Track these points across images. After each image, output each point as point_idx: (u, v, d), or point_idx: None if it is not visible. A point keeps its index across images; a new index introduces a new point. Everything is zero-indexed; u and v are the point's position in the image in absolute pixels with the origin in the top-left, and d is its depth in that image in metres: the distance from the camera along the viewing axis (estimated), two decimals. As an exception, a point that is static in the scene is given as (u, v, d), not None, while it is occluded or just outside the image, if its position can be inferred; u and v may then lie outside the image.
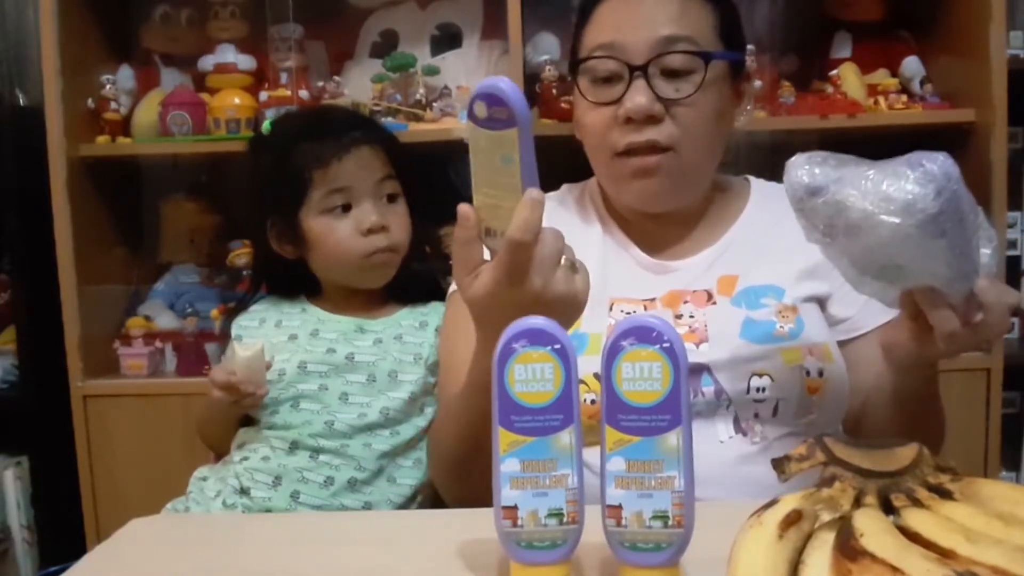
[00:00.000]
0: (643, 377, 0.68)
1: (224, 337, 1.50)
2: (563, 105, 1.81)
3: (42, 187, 1.89)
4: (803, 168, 0.86)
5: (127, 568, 0.87)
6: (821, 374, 1.13)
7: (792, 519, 0.60)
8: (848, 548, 0.55)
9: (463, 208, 0.85)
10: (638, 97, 1.14)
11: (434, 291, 1.41)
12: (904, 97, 1.90)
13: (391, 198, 1.39)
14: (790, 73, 2.00)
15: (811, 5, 2.09)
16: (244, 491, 1.30)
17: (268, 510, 1.28)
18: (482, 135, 0.80)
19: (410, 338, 1.37)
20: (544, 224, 0.84)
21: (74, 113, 1.92)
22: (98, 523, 1.94)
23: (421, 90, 1.92)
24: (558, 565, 0.71)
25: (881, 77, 1.94)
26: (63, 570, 0.84)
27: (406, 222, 1.40)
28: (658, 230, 1.26)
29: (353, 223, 1.35)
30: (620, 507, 0.69)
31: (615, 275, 1.22)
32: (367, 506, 1.29)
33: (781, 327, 1.15)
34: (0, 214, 2.05)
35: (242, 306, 1.47)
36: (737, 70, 1.23)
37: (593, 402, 1.07)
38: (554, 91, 1.87)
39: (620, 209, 1.28)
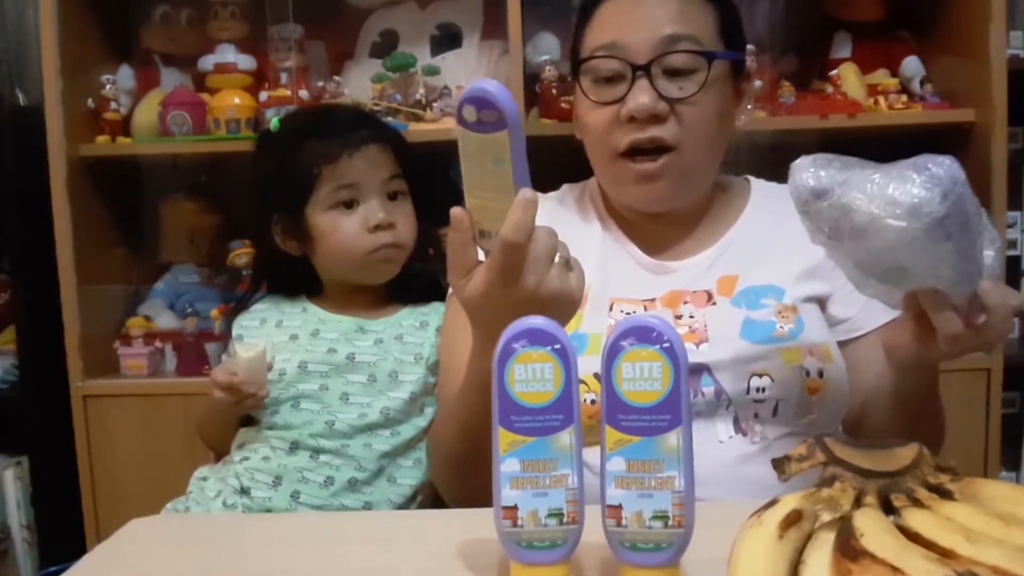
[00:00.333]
0: (643, 377, 0.68)
1: (225, 337, 1.50)
2: (563, 105, 1.81)
3: (42, 187, 1.89)
4: (808, 171, 0.86)
5: (127, 568, 0.87)
6: (821, 374, 1.13)
7: (792, 519, 0.60)
8: (848, 548, 0.55)
9: (456, 211, 0.85)
10: (641, 96, 1.14)
11: (435, 291, 1.41)
12: (904, 97, 1.90)
13: (397, 196, 1.40)
14: (790, 73, 2.00)
15: (811, 5, 2.09)
16: (244, 491, 1.30)
17: (268, 510, 1.28)
18: (472, 139, 0.80)
19: (411, 338, 1.38)
20: (544, 223, 0.84)
21: (74, 113, 1.91)
22: (98, 523, 1.93)
23: (421, 90, 1.92)
24: (558, 565, 0.71)
25: (881, 77, 1.94)
26: (63, 570, 0.84)
27: (412, 221, 1.40)
28: (658, 230, 1.26)
29: (360, 219, 1.35)
30: (620, 507, 0.69)
31: (615, 275, 1.22)
32: (367, 506, 1.29)
33: (781, 327, 1.15)
34: (0, 214, 2.05)
35: (243, 306, 1.47)
36: (738, 70, 1.24)
37: (593, 402, 1.07)
38: (554, 91, 1.87)
39: (620, 209, 1.28)
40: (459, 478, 1.14)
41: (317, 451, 1.30)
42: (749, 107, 1.28)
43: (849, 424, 1.22)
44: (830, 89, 1.89)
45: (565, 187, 1.39)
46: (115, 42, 2.08)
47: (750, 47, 1.82)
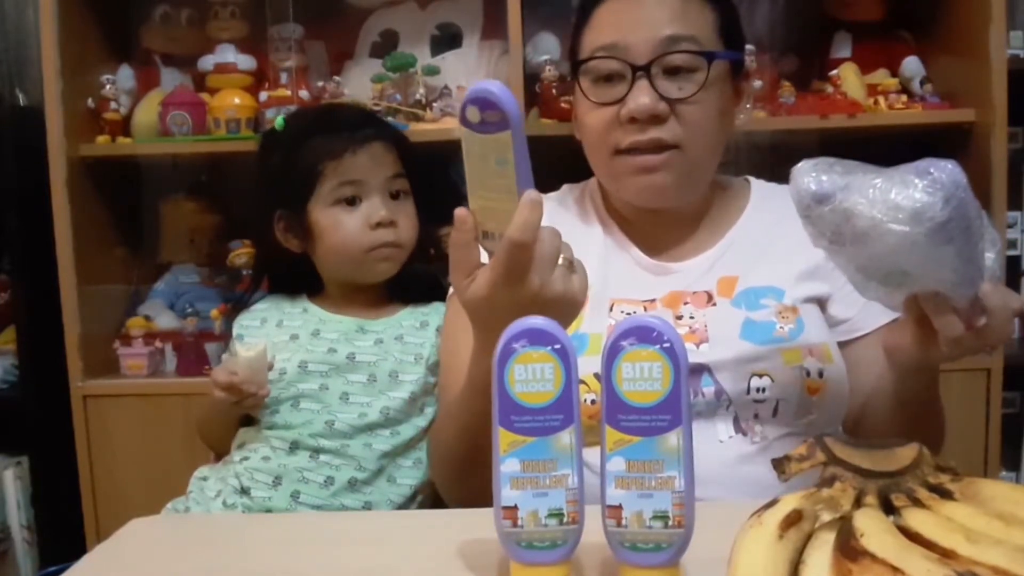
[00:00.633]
0: (643, 377, 0.68)
1: (225, 337, 1.50)
2: (563, 105, 1.81)
3: (42, 187, 1.89)
4: (810, 175, 0.86)
5: (127, 568, 0.87)
6: (821, 375, 1.13)
7: (792, 519, 0.60)
8: (849, 548, 0.55)
9: (460, 212, 0.85)
10: (642, 97, 1.14)
11: (435, 291, 1.41)
12: (904, 97, 1.90)
13: (400, 195, 1.40)
14: (790, 73, 2.00)
15: (811, 5, 2.09)
16: (244, 491, 1.30)
17: (268, 510, 1.28)
18: (476, 139, 0.80)
19: (411, 338, 1.38)
20: (544, 224, 0.84)
21: (74, 113, 1.91)
22: (98, 523, 1.93)
23: (421, 90, 1.92)
24: (558, 565, 0.71)
25: (881, 77, 1.94)
26: (63, 570, 0.84)
27: (413, 220, 1.41)
28: (658, 231, 1.26)
29: (362, 216, 1.36)
30: (620, 507, 0.69)
31: (615, 276, 1.22)
32: (367, 506, 1.29)
33: (781, 328, 1.15)
34: (0, 214, 2.05)
35: (243, 305, 1.47)
36: (737, 69, 1.24)
37: (593, 402, 1.07)
38: (554, 91, 1.87)
39: (620, 208, 1.28)
40: (459, 479, 1.14)
41: (317, 451, 1.30)
42: (748, 106, 1.28)
43: (849, 424, 1.22)
44: (830, 89, 1.89)
45: (565, 187, 1.39)
46: (115, 42, 2.08)
47: (750, 47, 1.83)
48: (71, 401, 1.92)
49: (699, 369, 1.13)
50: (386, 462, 1.32)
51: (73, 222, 1.90)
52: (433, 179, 1.45)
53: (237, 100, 1.94)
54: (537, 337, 0.69)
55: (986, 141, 1.79)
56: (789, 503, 0.62)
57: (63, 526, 2.08)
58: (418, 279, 1.42)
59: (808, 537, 0.60)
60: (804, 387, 1.13)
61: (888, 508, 0.60)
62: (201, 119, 1.94)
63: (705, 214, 1.28)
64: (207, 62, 2.02)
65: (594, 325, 1.16)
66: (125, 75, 2.03)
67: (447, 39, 2.06)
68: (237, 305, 1.49)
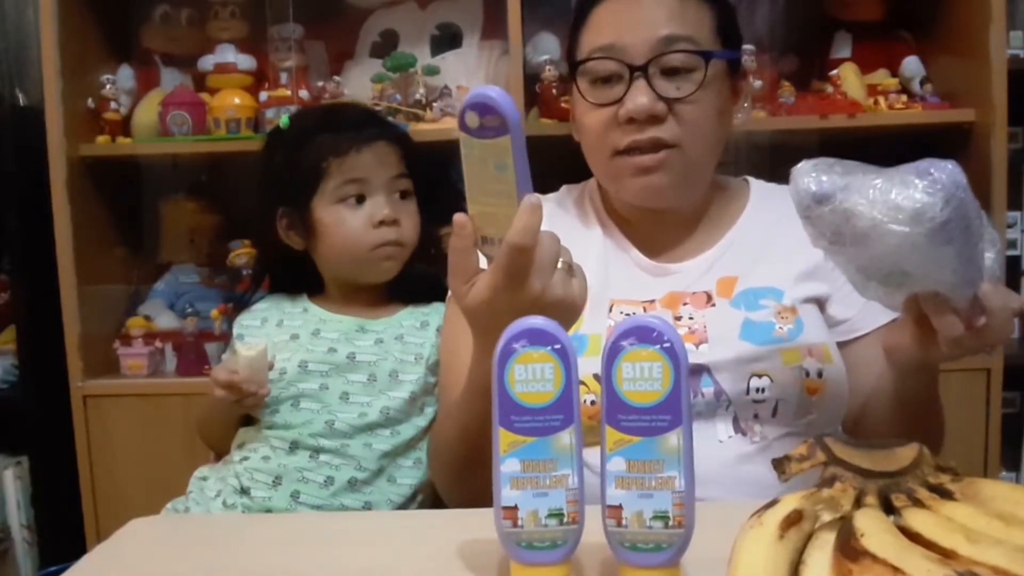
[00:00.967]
0: (643, 377, 0.68)
1: (225, 337, 1.50)
2: (563, 105, 1.81)
3: (42, 187, 1.89)
4: (810, 175, 0.86)
5: (127, 568, 0.87)
6: (820, 375, 1.13)
7: (792, 519, 0.60)
8: (849, 548, 0.55)
9: (459, 217, 0.85)
10: (640, 97, 1.14)
11: (436, 292, 1.41)
12: (904, 97, 1.90)
13: (403, 195, 1.40)
14: (790, 73, 2.00)
15: (811, 5, 2.09)
16: (244, 491, 1.30)
17: (268, 510, 1.28)
18: (475, 144, 0.80)
19: (411, 338, 1.38)
20: (544, 226, 0.84)
21: (74, 113, 1.91)
22: (98, 523, 1.93)
23: (421, 90, 1.91)
24: (558, 565, 0.71)
25: (881, 77, 1.94)
26: (63, 570, 0.84)
27: (416, 221, 1.41)
28: (658, 232, 1.26)
29: (365, 215, 1.36)
30: (620, 507, 0.69)
31: (615, 277, 1.22)
32: (367, 506, 1.29)
33: (780, 328, 1.15)
34: (0, 214, 2.05)
35: (244, 305, 1.47)
36: (734, 68, 1.24)
37: (593, 403, 1.07)
38: (554, 91, 1.87)
39: (620, 209, 1.28)
40: (459, 479, 1.14)
41: (317, 450, 1.30)
42: (747, 105, 1.28)
43: (849, 424, 1.22)
44: (830, 89, 1.89)
45: (564, 188, 1.39)
46: (115, 42, 2.08)
47: (750, 47, 1.83)
48: (71, 401, 1.91)
49: (698, 369, 1.13)
50: (386, 462, 1.32)
51: (73, 222, 1.90)
52: (433, 179, 1.45)
53: (237, 100, 1.94)
54: (537, 337, 0.69)
55: (986, 141, 1.79)
56: (789, 503, 0.62)
57: (63, 526, 2.08)
58: (419, 280, 1.42)
59: (808, 537, 0.60)
60: (803, 387, 1.13)
61: (888, 508, 0.60)
62: (201, 119, 1.94)
63: (704, 215, 1.28)
64: (207, 62, 2.02)
65: (594, 326, 1.16)
66: (125, 75, 2.03)
67: (447, 39, 2.06)
68: (238, 305, 1.49)
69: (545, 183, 1.29)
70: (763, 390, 1.12)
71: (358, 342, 1.36)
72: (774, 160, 1.99)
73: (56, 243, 1.89)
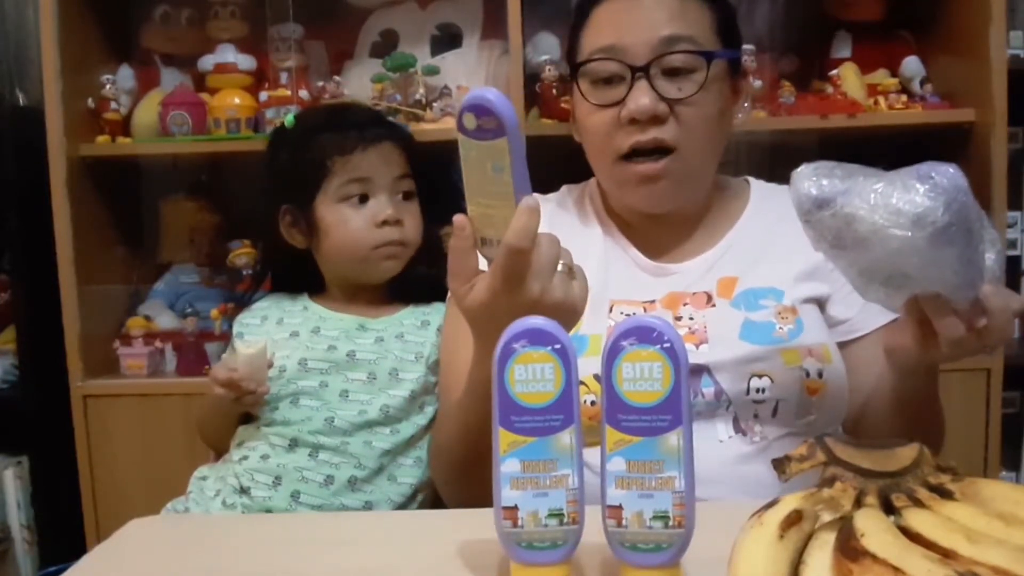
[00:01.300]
0: (643, 377, 0.68)
1: (225, 337, 1.50)
2: (563, 105, 1.80)
3: (42, 187, 1.88)
4: (810, 179, 0.86)
5: (127, 568, 0.87)
6: (820, 375, 1.13)
7: (793, 519, 0.60)
8: (849, 548, 0.55)
9: (458, 218, 0.85)
10: (642, 98, 1.14)
11: (437, 292, 1.41)
12: (904, 97, 1.89)
13: (406, 196, 1.41)
14: (790, 73, 2.00)
15: (811, 5, 2.08)
16: (244, 491, 1.30)
17: (268, 510, 1.28)
18: (473, 146, 0.80)
19: (412, 337, 1.38)
20: (544, 227, 0.84)
21: (74, 113, 1.91)
22: (98, 523, 1.93)
23: (421, 90, 1.91)
24: (558, 565, 0.71)
25: (881, 77, 1.94)
26: (63, 570, 0.84)
27: (418, 221, 1.42)
28: (658, 232, 1.26)
29: (368, 214, 1.36)
30: (620, 507, 0.69)
31: (615, 277, 1.22)
32: (367, 505, 1.29)
33: (780, 328, 1.15)
34: (0, 214, 2.05)
35: (244, 304, 1.47)
36: (735, 68, 1.24)
37: (593, 403, 1.07)
38: (554, 91, 1.87)
39: (621, 211, 1.28)
40: (460, 480, 1.14)
41: (316, 448, 1.30)
42: (746, 105, 1.28)
43: (849, 425, 1.22)
44: (830, 89, 1.89)
45: (564, 188, 1.39)
46: (115, 42, 2.08)
47: (750, 47, 1.83)
48: (71, 401, 1.91)
49: (699, 370, 1.13)
50: (386, 460, 1.32)
51: (73, 222, 1.89)
52: (434, 179, 1.45)
53: (237, 100, 1.94)
54: (537, 337, 0.69)
55: (986, 141, 1.79)
56: (789, 503, 0.62)
57: (63, 526, 2.08)
58: (420, 280, 1.42)
59: (808, 537, 0.60)
60: (804, 387, 1.13)
61: (888, 508, 0.60)
62: (201, 119, 1.94)
63: (704, 215, 1.28)
64: (207, 62, 2.02)
65: (594, 326, 1.16)
66: (125, 75, 2.02)
67: (447, 39, 2.05)
68: (238, 305, 1.50)
69: (545, 183, 1.30)
70: (763, 390, 1.12)
71: (358, 340, 1.36)
72: (774, 160, 1.99)
73: (56, 243, 1.89)
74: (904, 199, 0.81)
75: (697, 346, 1.15)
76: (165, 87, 2.05)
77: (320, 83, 1.97)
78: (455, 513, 1.12)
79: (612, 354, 0.69)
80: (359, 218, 1.36)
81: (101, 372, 1.96)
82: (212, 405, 1.35)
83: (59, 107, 1.87)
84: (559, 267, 0.85)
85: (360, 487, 1.30)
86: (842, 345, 1.20)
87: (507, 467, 0.70)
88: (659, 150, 1.16)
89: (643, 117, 1.14)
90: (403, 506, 1.32)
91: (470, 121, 0.79)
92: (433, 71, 1.94)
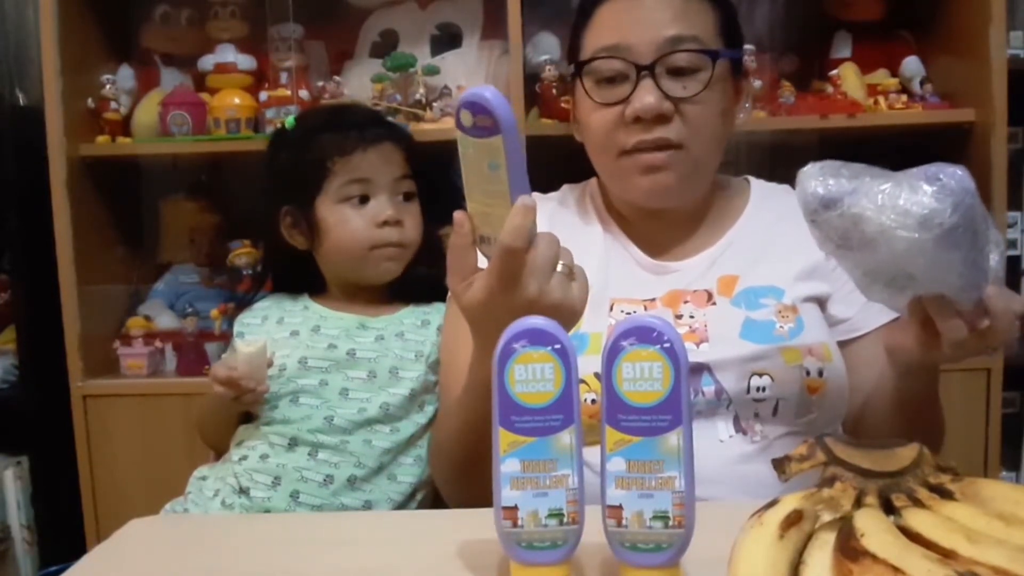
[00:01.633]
0: (643, 377, 0.68)
1: (225, 337, 1.50)
2: (563, 105, 1.80)
3: (42, 187, 1.88)
4: (817, 179, 0.86)
5: (127, 568, 0.87)
6: (821, 374, 1.13)
7: (793, 519, 0.60)
8: (849, 549, 0.55)
9: (458, 215, 0.85)
10: (647, 97, 1.14)
11: (437, 293, 1.41)
12: (904, 97, 1.90)
13: (406, 197, 1.41)
14: (790, 73, 2.00)
15: (811, 5, 2.09)
16: (243, 491, 1.30)
17: (267, 510, 1.28)
18: (470, 143, 0.80)
19: (412, 335, 1.38)
20: (545, 225, 0.84)
21: (74, 113, 1.91)
22: (98, 523, 1.93)
23: (421, 90, 1.91)
24: (558, 565, 0.71)
25: (881, 77, 1.94)
26: (63, 570, 0.84)
27: (419, 222, 1.42)
28: (659, 231, 1.26)
29: (369, 215, 1.37)
30: (620, 507, 0.69)
31: (615, 275, 1.22)
32: (367, 504, 1.29)
33: (781, 327, 1.15)
34: (0, 214, 2.05)
35: (245, 305, 1.48)
36: (737, 68, 1.24)
37: (593, 402, 1.07)
38: (554, 91, 1.87)
39: (622, 209, 1.28)
40: (460, 479, 1.14)
41: (316, 447, 1.30)
42: (748, 105, 1.28)
43: (849, 424, 1.22)
44: (830, 89, 1.89)
45: (565, 188, 1.39)
46: (115, 42, 2.08)
47: (750, 47, 1.83)
48: (71, 401, 1.91)
49: (699, 368, 1.13)
50: (386, 459, 1.32)
51: (73, 222, 1.90)
52: (433, 179, 1.46)
53: (237, 100, 1.94)
54: (537, 337, 0.69)
55: (986, 141, 1.79)
56: (789, 503, 0.62)
57: (63, 526, 2.08)
58: (420, 281, 1.42)
59: (808, 537, 0.60)
60: (804, 386, 1.13)
61: (888, 508, 0.60)
62: (201, 119, 1.94)
63: (705, 213, 1.28)
64: (207, 62, 2.02)
65: (594, 325, 1.16)
66: (125, 75, 2.03)
67: (447, 39, 2.05)
68: (239, 305, 1.50)
69: (545, 183, 1.30)
70: (764, 389, 1.12)
71: (358, 339, 1.36)
72: (774, 160, 1.99)
73: (56, 243, 1.89)
74: (912, 200, 0.81)
75: (698, 345, 1.15)
76: (165, 87, 2.06)
77: (320, 83, 1.97)
78: (455, 513, 1.12)
79: (612, 354, 0.68)
80: (359, 218, 1.36)
81: (101, 372, 1.96)
82: (212, 404, 1.35)
83: (59, 107, 1.87)
84: (559, 267, 0.85)
85: (360, 486, 1.30)
86: (842, 344, 1.20)
87: (507, 467, 0.70)
88: (664, 147, 1.16)
89: (648, 116, 1.14)
90: (403, 505, 1.32)
91: (467, 118, 0.79)
92: (433, 71, 1.94)
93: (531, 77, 1.89)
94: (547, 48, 1.93)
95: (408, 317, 1.41)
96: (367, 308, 1.42)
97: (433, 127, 1.85)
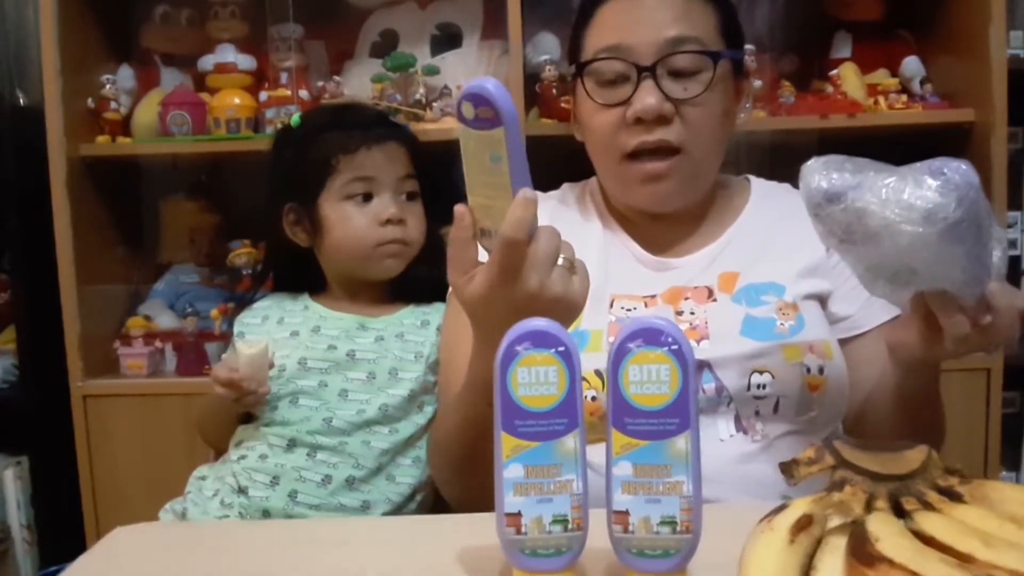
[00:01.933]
0: (651, 380, 0.67)
1: (225, 336, 1.50)
2: (563, 105, 1.80)
3: (42, 187, 1.88)
4: (821, 173, 0.85)
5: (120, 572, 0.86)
6: (822, 371, 1.13)
7: (803, 524, 0.59)
8: (864, 554, 0.55)
9: (459, 208, 0.85)
10: (648, 98, 1.14)
11: (437, 292, 1.41)
12: (904, 97, 1.90)
13: (410, 197, 1.41)
14: (790, 73, 2.00)
15: (811, 5, 2.09)
16: (242, 491, 1.29)
17: (266, 510, 1.28)
18: (471, 135, 0.80)
19: (411, 336, 1.38)
20: (545, 222, 0.83)
21: (74, 113, 1.91)
22: (98, 523, 1.93)
23: (421, 90, 1.91)
24: (562, 573, 0.70)
25: (881, 77, 1.94)
26: (63, 570, 0.84)
27: (421, 222, 1.42)
28: (659, 229, 1.26)
29: (372, 212, 1.37)
30: (627, 513, 0.68)
31: (616, 272, 1.22)
32: (365, 504, 1.29)
33: (782, 324, 1.15)
34: (0, 214, 2.04)
35: (245, 304, 1.47)
36: (738, 68, 1.24)
37: (594, 399, 1.07)
38: (554, 91, 1.87)
39: (622, 209, 1.28)
40: (459, 477, 1.14)
41: (315, 448, 1.30)
42: (748, 105, 1.28)
43: (849, 422, 1.22)
44: (830, 89, 1.89)
45: (565, 186, 1.39)
46: (115, 42, 2.08)
47: (750, 47, 1.82)
48: (71, 401, 1.91)
49: (699, 366, 1.12)
50: (385, 460, 1.31)
51: (73, 222, 1.89)
52: (434, 178, 1.45)
53: (237, 100, 1.94)
54: (540, 339, 0.68)
55: (986, 141, 1.79)
56: (799, 507, 0.61)
57: (63, 526, 2.08)
58: (421, 280, 1.42)
59: (818, 542, 0.59)
60: (805, 384, 1.12)
61: (899, 512, 0.60)
62: (201, 119, 1.94)
63: (706, 212, 1.28)
64: (207, 62, 2.02)
65: (594, 321, 1.15)
66: (125, 75, 2.02)
67: (447, 39, 2.05)
68: (239, 305, 1.49)
69: (545, 183, 1.29)
70: (764, 386, 1.12)
71: (358, 339, 1.36)
72: (774, 160, 1.99)
73: (56, 243, 1.89)
74: (916, 194, 0.80)
75: (698, 342, 1.14)
76: (165, 87, 2.05)
77: (320, 83, 1.97)
78: (455, 518, 1.11)
79: (618, 356, 0.68)
80: (362, 216, 1.36)
81: (101, 372, 1.96)
82: (212, 405, 1.35)
83: (59, 107, 1.87)
84: (559, 261, 0.85)
85: (358, 487, 1.29)
86: (843, 342, 1.20)
87: (510, 472, 0.69)
88: (664, 150, 1.16)
89: (649, 117, 1.14)
90: (401, 506, 1.32)
91: (468, 111, 0.78)
92: (433, 71, 1.94)
93: (531, 77, 1.89)
94: (547, 48, 1.93)
95: (408, 317, 1.41)
96: (367, 308, 1.42)
97: (433, 127, 1.85)
